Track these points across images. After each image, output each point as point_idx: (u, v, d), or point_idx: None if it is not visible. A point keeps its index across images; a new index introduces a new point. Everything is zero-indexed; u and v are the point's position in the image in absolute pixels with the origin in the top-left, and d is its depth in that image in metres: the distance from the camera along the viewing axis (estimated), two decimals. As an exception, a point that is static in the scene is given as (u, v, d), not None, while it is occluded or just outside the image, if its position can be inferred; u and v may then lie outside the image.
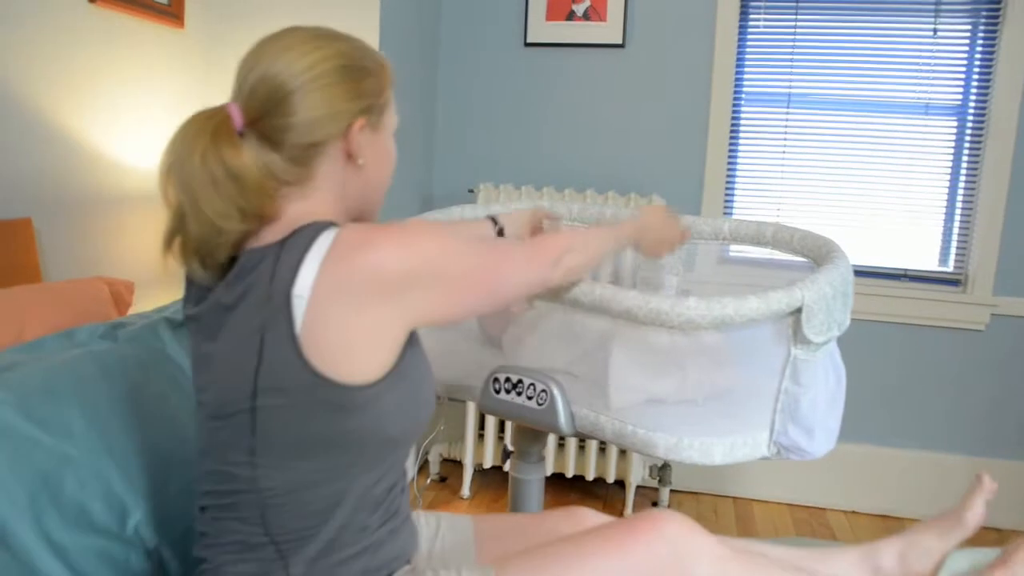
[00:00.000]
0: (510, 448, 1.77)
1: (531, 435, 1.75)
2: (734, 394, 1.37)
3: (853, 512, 2.67)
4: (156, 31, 1.98)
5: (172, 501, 1.19)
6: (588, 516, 1.25)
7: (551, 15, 2.58)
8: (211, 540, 0.98)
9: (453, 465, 2.85)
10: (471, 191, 2.64)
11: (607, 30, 2.56)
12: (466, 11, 2.68)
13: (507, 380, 1.47)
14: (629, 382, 1.37)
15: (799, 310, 1.27)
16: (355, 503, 0.96)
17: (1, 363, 1.12)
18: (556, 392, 1.41)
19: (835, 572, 1.25)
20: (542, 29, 2.60)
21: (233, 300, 0.90)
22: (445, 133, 2.75)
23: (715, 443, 1.36)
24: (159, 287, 1.98)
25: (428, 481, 2.73)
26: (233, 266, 0.92)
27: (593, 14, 2.56)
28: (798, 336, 1.29)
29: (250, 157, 0.90)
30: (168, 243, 0.93)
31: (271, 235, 0.92)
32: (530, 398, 1.44)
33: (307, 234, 0.88)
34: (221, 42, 2.18)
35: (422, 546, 1.19)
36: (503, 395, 1.47)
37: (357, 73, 0.95)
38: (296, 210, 0.95)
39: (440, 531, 1.21)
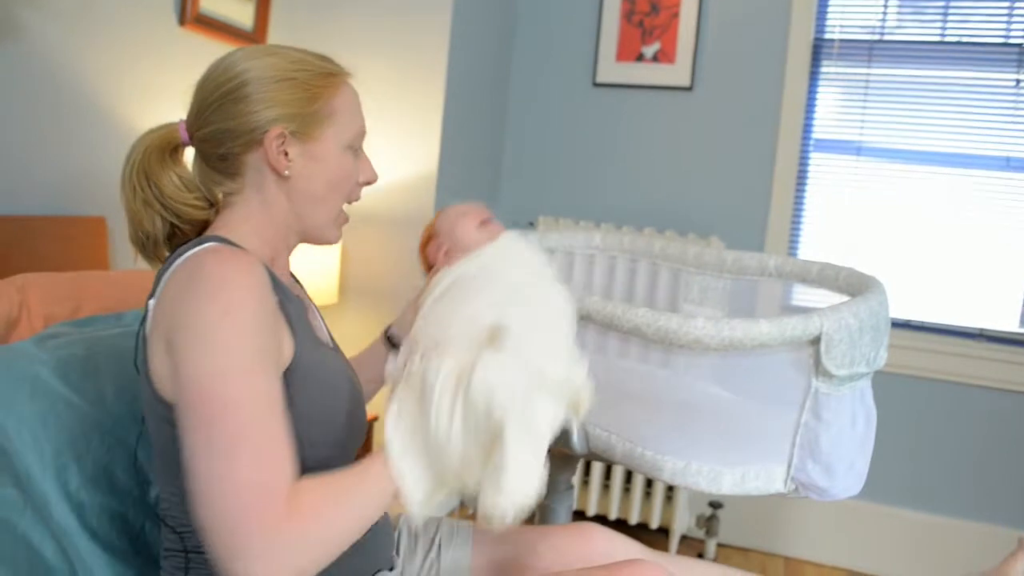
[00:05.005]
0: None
1: (559, 461, 1.74)
2: (749, 423, 1.34)
3: (915, 585, 2.50)
4: (243, 57, 2.15)
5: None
6: (596, 533, 1.22)
7: (621, 56, 2.63)
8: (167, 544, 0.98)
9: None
10: (531, 224, 2.69)
11: (676, 73, 2.59)
12: (537, 48, 2.77)
13: (524, 395, 1.48)
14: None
15: (819, 339, 1.23)
16: None
17: (50, 332, 1.23)
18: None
19: None
20: (611, 69, 2.65)
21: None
22: (511, 165, 2.83)
23: (725, 471, 1.32)
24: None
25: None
26: None
27: (663, 56, 2.60)
28: (819, 367, 1.25)
29: (179, 173, 0.98)
30: (140, 247, 1.01)
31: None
32: (544, 414, 1.44)
33: (181, 249, 0.92)
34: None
35: (417, 554, 1.18)
36: (519, 410, 1.48)
37: (272, 85, 0.94)
38: (221, 220, 0.99)
39: (439, 536, 1.21)
